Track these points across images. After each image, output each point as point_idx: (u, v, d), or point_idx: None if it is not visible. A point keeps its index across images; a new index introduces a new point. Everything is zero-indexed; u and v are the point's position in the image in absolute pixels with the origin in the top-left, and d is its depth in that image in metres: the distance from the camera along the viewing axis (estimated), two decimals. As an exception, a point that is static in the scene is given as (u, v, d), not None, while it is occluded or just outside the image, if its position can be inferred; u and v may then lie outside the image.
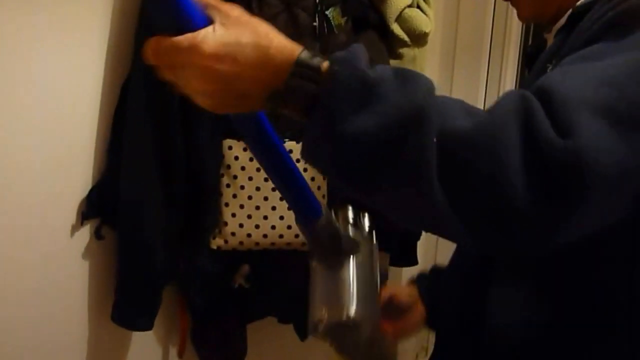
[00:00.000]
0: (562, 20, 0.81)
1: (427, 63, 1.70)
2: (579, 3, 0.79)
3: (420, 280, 1.08)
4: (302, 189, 0.74)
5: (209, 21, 0.56)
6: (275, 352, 1.66)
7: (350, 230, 0.86)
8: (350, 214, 0.88)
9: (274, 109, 0.57)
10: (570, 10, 0.79)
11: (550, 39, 0.87)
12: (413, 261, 1.70)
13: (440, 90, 0.57)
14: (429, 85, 0.55)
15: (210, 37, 0.54)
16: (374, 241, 0.90)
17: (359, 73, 0.53)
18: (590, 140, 0.50)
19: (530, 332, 0.77)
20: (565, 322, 0.75)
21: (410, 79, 0.54)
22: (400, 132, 0.51)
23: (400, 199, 0.54)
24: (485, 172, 0.51)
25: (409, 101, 0.52)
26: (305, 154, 0.57)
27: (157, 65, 0.57)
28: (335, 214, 0.86)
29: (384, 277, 1.00)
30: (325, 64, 0.55)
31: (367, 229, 0.89)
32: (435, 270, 1.10)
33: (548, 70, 0.75)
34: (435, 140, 0.51)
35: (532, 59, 0.91)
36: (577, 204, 0.51)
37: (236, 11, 0.57)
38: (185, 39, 0.54)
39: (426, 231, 0.75)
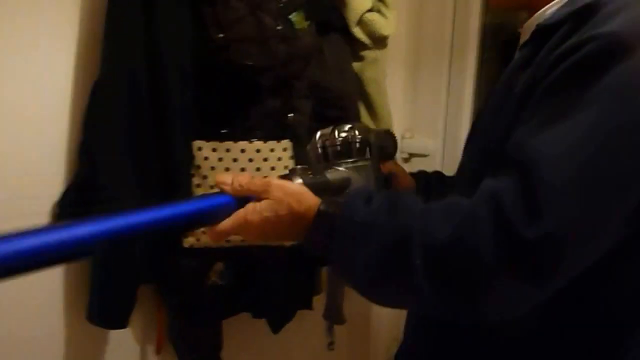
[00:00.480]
0: (526, 36, 0.85)
1: (393, 64, 1.77)
2: (544, 19, 0.81)
3: (418, 178, 1.13)
4: (191, 213, 0.76)
5: (239, 200, 0.76)
6: (249, 346, 1.70)
7: (334, 171, 0.91)
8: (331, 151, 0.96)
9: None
10: (535, 26, 0.81)
11: (523, 32, 0.88)
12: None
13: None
14: (414, 207, 0.70)
15: (252, 213, 0.75)
16: (367, 154, 0.96)
17: (357, 220, 0.70)
18: (559, 221, 0.60)
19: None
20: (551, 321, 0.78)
21: (400, 208, 0.70)
22: (393, 257, 0.67)
23: (392, 299, 0.74)
24: (464, 273, 0.63)
25: (399, 230, 0.67)
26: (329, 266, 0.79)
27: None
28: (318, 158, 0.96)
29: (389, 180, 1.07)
30: (335, 215, 0.73)
31: (356, 147, 0.95)
32: (437, 174, 1.16)
33: (517, 83, 0.78)
34: (421, 255, 0.65)
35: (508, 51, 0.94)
36: (548, 281, 0.63)
37: (276, 191, 0.76)
38: (236, 220, 0.76)
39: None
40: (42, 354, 1.28)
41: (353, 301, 1.40)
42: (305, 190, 0.77)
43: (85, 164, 1.27)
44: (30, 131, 1.18)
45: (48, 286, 1.28)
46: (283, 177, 0.82)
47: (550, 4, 0.82)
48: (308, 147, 1.02)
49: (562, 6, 0.80)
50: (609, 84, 0.63)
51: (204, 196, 0.77)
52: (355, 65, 1.59)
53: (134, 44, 1.23)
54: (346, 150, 0.94)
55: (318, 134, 0.99)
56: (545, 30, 0.78)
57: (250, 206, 0.76)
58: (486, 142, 0.82)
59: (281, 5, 1.35)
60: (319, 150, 0.97)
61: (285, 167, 1.40)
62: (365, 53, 1.58)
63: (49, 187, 1.24)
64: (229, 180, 0.78)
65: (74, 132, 1.26)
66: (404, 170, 1.12)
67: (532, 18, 0.86)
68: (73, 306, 1.31)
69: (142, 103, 1.27)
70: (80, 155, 1.27)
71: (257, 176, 0.80)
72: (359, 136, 0.95)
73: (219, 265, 1.48)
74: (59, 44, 1.20)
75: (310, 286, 1.69)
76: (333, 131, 0.96)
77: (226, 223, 0.76)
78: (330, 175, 0.88)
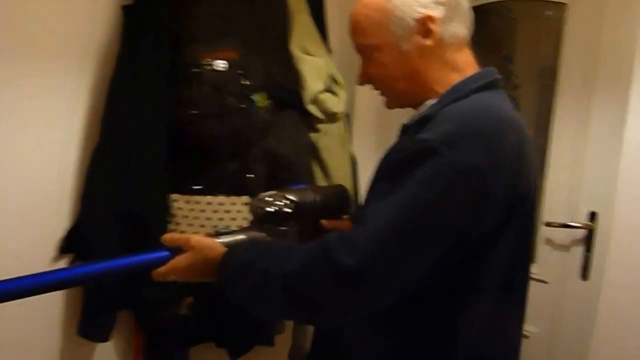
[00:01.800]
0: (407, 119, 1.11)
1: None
2: (407, 120, 1.10)
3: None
4: (140, 261, 1.09)
5: (173, 252, 1.08)
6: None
7: (249, 232, 1.16)
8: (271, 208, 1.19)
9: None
10: (402, 126, 1.11)
11: None
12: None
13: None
14: (278, 250, 0.99)
15: (177, 264, 1.07)
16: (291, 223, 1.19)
17: (235, 262, 1.01)
18: (368, 255, 0.89)
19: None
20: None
21: (268, 251, 1.00)
22: (260, 288, 0.96)
23: (265, 313, 1.12)
24: (306, 294, 0.92)
25: (263, 266, 0.96)
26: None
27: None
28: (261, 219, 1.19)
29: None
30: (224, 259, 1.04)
31: (281, 216, 1.18)
32: None
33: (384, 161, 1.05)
34: (276, 282, 0.93)
35: None
36: (362, 297, 0.91)
37: (195, 244, 1.07)
38: (168, 269, 1.08)
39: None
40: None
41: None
42: (215, 244, 1.07)
43: (83, 210, 1.60)
44: (46, 183, 1.52)
45: (51, 308, 1.59)
46: (208, 234, 1.11)
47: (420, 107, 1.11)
48: (249, 207, 1.27)
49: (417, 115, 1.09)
50: (417, 174, 0.92)
51: (150, 251, 1.10)
52: (312, 135, 1.91)
53: (125, 118, 1.57)
54: (274, 217, 1.18)
55: (258, 197, 1.22)
56: (403, 131, 1.10)
57: (178, 257, 1.07)
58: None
59: (245, 86, 1.68)
60: (256, 211, 1.21)
61: (244, 219, 1.70)
62: (320, 126, 1.89)
63: (57, 227, 1.57)
64: (167, 237, 1.11)
65: (78, 185, 1.60)
66: (348, 225, 1.30)
67: (412, 116, 1.13)
68: (70, 323, 1.62)
69: (129, 163, 1.60)
70: (81, 203, 1.60)
71: (183, 234, 1.13)
72: (288, 205, 1.18)
73: (189, 299, 1.77)
74: (66, 112, 1.55)
75: (270, 324, 1.93)
76: (267, 198, 1.19)
77: (162, 269, 1.08)
78: (243, 235, 1.14)
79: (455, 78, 1.06)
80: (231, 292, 1.02)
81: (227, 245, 1.07)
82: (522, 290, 1.10)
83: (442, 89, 1.06)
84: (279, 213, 1.18)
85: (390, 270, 0.90)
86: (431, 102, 1.06)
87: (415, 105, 1.11)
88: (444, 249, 0.93)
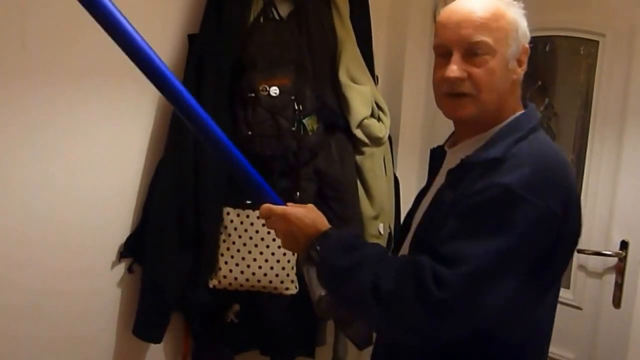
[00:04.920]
0: (452, 162, 1.14)
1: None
2: (467, 157, 1.10)
3: None
4: (258, 182, 1.16)
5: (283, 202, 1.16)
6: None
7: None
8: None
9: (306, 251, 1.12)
10: (461, 160, 1.11)
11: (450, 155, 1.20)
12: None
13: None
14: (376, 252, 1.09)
15: (291, 212, 1.14)
16: None
17: (344, 238, 1.11)
18: (452, 293, 0.97)
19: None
20: None
21: (368, 258, 1.05)
22: (354, 275, 1.03)
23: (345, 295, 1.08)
24: (402, 309, 1.00)
25: (363, 277, 1.02)
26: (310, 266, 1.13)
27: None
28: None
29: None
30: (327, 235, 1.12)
31: None
32: None
33: (447, 200, 1.10)
34: (370, 289, 1.00)
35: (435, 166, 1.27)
36: (447, 325, 1.00)
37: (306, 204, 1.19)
38: (279, 209, 1.15)
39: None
40: (96, 356, 1.72)
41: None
42: (325, 220, 1.14)
43: (144, 219, 1.75)
44: (111, 195, 1.68)
45: (111, 306, 1.74)
46: None
47: (473, 141, 1.13)
48: None
49: (480, 149, 1.10)
50: (501, 219, 0.99)
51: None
52: (357, 157, 2.02)
53: (188, 136, 1.72)
54: None
55: None
56: (467, 166, 1.10)
57: (292, 206, 1.16)
58: (422, 235, 1.15)
59: (297, 110, 1.82)
60: None
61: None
62: (365, 149, 2.01)
63: (119, 233, 1.72)
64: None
65: (141, 195, 1.75)
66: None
67: (457, 149, 1.17)
68: (126, 323, 1.76)
69: (189, 177, 1.75)
70: (143, 212, 1.75)
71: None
72: None
73: (236, 307, 1.89)
74: (134, 130, 1.71)
75: (312, 335, 2.04)
76: None
77: (274, 207, 1.15)
78: None
79: (516, 110, 1.14)
80: (325, 262, 1.08)
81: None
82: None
83: (504, 119, 1.12)
84: None
85: (474, 307, 0.99)
86: (494, 130, 1.11)
87: (482, 124, 1.13)
88: (521, 289, 1.02)
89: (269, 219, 1.17)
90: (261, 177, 1.18)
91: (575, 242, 1.13)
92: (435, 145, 1.30)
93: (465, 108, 1.10)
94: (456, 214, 1.04)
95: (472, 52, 1.08)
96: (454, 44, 1.09)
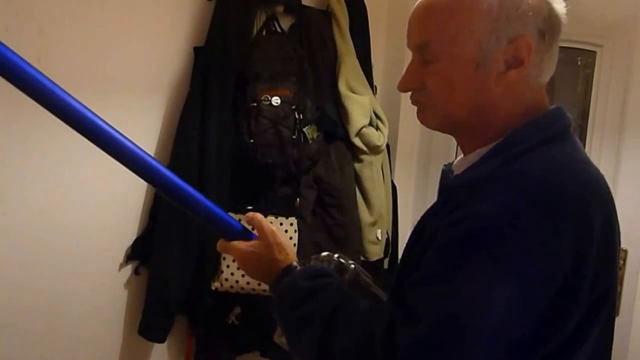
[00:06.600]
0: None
1: None
2: (455, 176, 0.88)
3: None
4: (217, 216, 1.07)
5: (245, 231, 1.04)
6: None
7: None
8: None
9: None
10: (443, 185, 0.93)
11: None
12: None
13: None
14: (333, 298, 0.88)
15: (245, 250, 1.03)
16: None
17: (296, 286, 0.93)
18: (405, 349, 0.73)
19: None
20: None
21: (327, 296, 0.88)
22: (302, 326, 0.87)
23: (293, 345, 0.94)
24: None
25: (318, 316, 0.85)
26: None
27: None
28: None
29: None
30: (285, 278, 0.96)
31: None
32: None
33: (427, 229, 0.85)
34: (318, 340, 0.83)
35: None
36: None
37: (270, 237, 1.02)
38: (234, 246, 1.04)
39: None
40: (103, 355, 1.79)
41: None
42: (289, 247, 1.00)
43: (151, 225, 1.82)
44: (119, 202, 1.75)
45: (118, 307, 1.80)
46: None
47: (468, 158, 0.88)
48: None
49: (468, 169, 0.86)
50: (475, 260, 0.74)
51: (229, 216, 1.11)
52: (356, 165, 2.10)
53: (193, 144, 1.79)
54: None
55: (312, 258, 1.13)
56: (452, 189, 0.89)
57: (247, 241, 1.03)
58: (402, 269, 0.91)
59: (298, 120, 1.89)
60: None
61: (291, 238, 1.89)
62: (363, 157, 2.09)
63: (127, 237, 1.79)
64: (251, 215, 1.08)
65: (147, 204, 1.82)
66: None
67: (455, 166, 0.92)
68: (131, 323, 1.82)
69: (194, 184, 1.80)
70: (149, 219, 1.82)
71: (268, 222, 1.08)
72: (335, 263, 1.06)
73: (237, 309, 1.95)
74: (144, 134, 1.78)
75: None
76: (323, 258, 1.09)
77: (226, 244, 1.04)
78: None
79: (526, 118, 0.84)
80: (275, 308, 0.97)
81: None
82: None
83: (507, 130, 0.83)
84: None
85: None
86: (483, 150, 0.85)
87: (478, 137, 0.86)
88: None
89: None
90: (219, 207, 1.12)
91: (605, 304, 0.84)
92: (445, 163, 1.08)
93: (426, 121, 0.90)
94: (431, 249, 0.80)
95: (423, 56, 0.85)
96: (409, 47, 0.88)
